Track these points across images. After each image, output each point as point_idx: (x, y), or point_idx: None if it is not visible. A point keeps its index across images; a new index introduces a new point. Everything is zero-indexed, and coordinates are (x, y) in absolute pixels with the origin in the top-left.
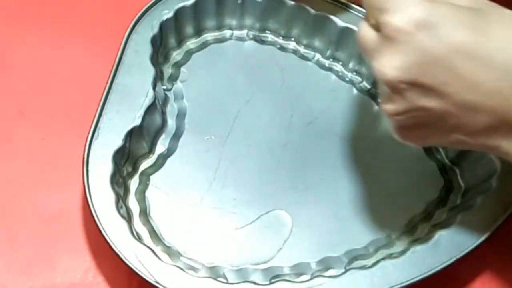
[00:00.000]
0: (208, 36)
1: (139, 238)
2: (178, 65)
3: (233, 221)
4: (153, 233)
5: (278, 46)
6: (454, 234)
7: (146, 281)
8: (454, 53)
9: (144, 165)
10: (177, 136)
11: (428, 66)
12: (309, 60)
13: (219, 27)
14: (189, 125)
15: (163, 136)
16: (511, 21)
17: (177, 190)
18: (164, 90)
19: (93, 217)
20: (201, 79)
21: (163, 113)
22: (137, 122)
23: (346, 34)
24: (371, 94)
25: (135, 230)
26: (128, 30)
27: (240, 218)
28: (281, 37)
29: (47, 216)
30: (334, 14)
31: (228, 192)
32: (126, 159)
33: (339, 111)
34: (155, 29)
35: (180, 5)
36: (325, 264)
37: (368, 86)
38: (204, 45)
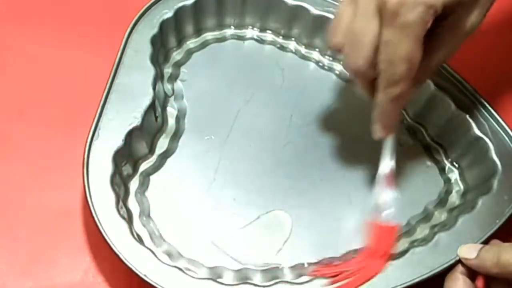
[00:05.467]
0: (208, 35)
1: (139, 239)
2: (178, 65)
3: (233, 222)
4: (153, 234)
5: (278, 45)
6: (453, 235)
7: (146, 281)
8: None
9: (144, 165)
10: (177, 136)
11: None
12: (309, 60)
13: (219, 27)
14: (189, 125)
15: (163, 136)
16: None
17: (177, 190)
18: (164, 90)
19: (93, 217)
20: (201, 79)
21: (163, 113)
22: (137, 122)
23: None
24: None
25: (135, 231)
26: (128, 29)
27: (240, 218)
28: (281, 37)
29: (47, 216)
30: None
31: (228, 192)
32: (126, 160)
33: (339, 111)
34: (155, 29)
35: (180, 4)
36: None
37: None
38: (204, 44)
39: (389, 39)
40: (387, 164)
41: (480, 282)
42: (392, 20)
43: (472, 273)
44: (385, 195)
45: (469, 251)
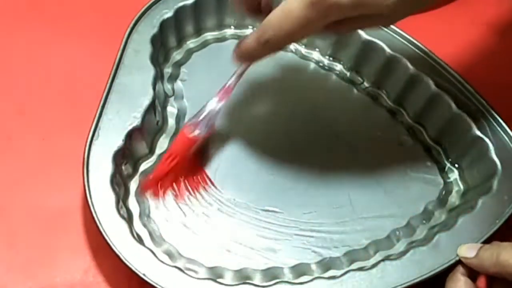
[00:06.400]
0: (208, 35)
1: (139, 239)
2: (178, 65)
3: (233, 222)
4: (153, 234)
5: None
6: (453, 236)
7: (146, 281)
8: None
9: (144, 165)
10: (177, 136)
11: None
12: (309, 60)
13: (219, 26)
14: None
15: (163, 136)
16: None
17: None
18: (164, 90)
19: (93, 217)
20: (201, 79)
21: (163, 113)
22: (137, 122)
23: (346, 34)
24: (371, 94)
25: (135, 231)
26: (128, 29)
27: (240, 218)
28: None
29: (47, 216)
30: None
31: (228, 192)
32: (126, 160)
33: (339, 111)
34: (155, 29)
35: (180, 4)
36: (325, 265)
37: (368, 86)
38: (204, 44)
39: (284, 10)
40: (230, 80)
41: (481, 282)
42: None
43: (473, 274)
44: (212, 105)
45: (468, 251)
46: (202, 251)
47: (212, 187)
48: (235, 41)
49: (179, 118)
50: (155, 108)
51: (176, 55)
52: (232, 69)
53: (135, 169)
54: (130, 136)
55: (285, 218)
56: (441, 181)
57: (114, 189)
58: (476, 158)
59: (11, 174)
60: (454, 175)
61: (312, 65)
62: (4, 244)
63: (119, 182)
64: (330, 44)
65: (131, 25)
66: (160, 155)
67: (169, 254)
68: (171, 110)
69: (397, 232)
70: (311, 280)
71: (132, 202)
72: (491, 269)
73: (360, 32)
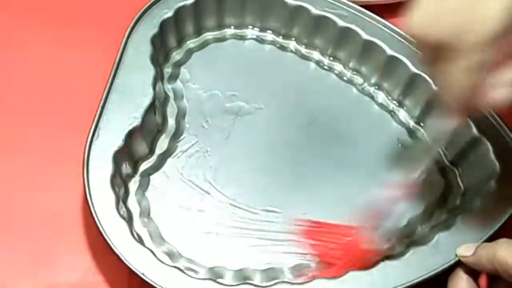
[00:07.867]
0: (208, 35)
1: (139, 239)
2: (178, 65)
3: (233, 222)
4: (153, 234)
5: (278, 45)
6: (453, 236)
7: (146, 281)
8: None
9: (144, 165)
10: (177, 136)
11: None
12: (309, 60)
13: (219, 26)
14: (189, 125)
15: (163, 136)
16: None
17: (177, 190)
18: (164, 90)
19: (93, 217)
20: (201, 79)
21: (163, 113)
22: (137, 122)
23: (346, 34)
24: (371, 94)
25: (135, 231)
26: (129, 29)
27: (240, 218)
28: (281, 37)
29: (47, 216)
30: (334, 14)
31: (228, 192)
32: (126, 160)
33: (339, 111)
34: (156, 29)
35: (180, 4)
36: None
37: (368, 86)
38: (204, 44)
39: None
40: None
41: (483, 281)
42: None
43: (475, 273)
44: (394, 205)
45: (466, 250)
46: (202, 251)
47: (212, 187)
48: (235, 41)
49: (179, 118)
50: (155, 108)
51: (176, 55)
52: (231, 69)
53: (135, 169)
54: (130, 136)
55: (285, 217)
56: (441, 181)
57: (114, 189)
58: (476, 158)
59: (11, 174)
60: (454, 175)
61: (312, 65)
62: (4, 244)
63: (119, 182)
64: (330, 44)
65: (131, 25)
66: (160, 155)
67: (169, 254)
68: (171, 110)
69: (397, 232)
70: (311, 280)
71: (132, 202)
72: (488, 266)
73: (360, 32)
